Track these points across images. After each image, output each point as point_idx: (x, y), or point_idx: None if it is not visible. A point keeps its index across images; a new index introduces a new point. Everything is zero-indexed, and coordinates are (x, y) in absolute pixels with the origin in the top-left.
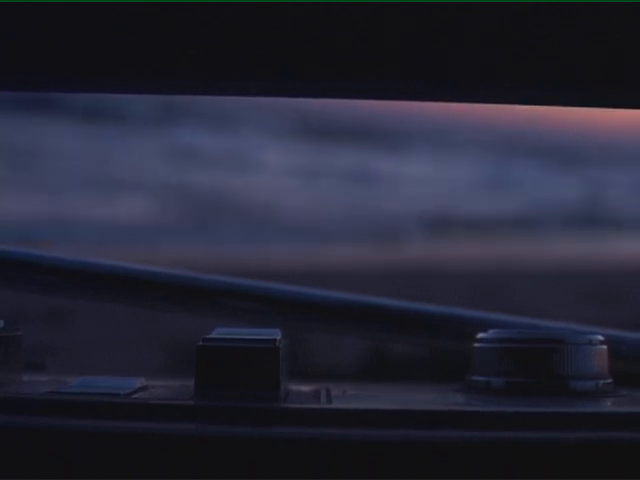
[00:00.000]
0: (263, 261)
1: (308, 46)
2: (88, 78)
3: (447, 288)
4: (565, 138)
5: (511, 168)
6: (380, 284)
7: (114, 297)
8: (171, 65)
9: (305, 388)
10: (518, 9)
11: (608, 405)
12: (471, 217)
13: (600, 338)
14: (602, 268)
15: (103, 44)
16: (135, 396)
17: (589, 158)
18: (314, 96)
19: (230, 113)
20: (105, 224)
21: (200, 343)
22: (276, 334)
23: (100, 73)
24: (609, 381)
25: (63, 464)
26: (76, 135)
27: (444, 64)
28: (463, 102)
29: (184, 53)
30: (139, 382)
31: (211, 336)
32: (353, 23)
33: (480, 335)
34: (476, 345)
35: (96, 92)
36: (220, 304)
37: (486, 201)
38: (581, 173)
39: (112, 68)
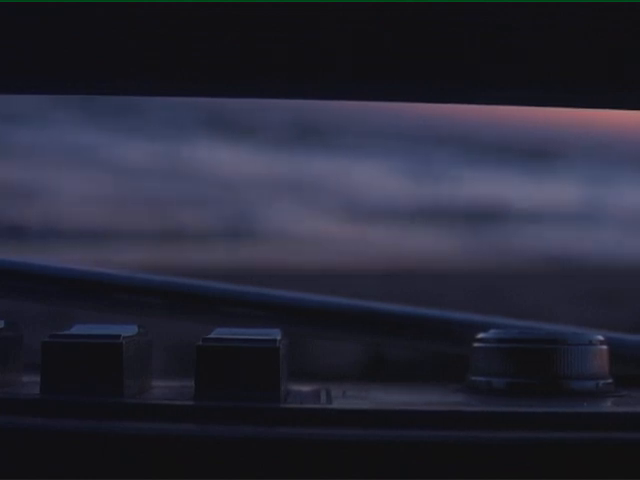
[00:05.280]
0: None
1: (311, 48)
2: (91, 80)
3: (447, 289)
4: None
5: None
6: (379, 284)
7: (113, 305)
8: (175, 67)
9: (305, 388)
10: (518, 9)
11: (608, 405)
12: (469, 215)
13: (600, 338)
14: (602, 268)
15: (109, 46)
16: (136, 397)
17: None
18: (318, 98)
19: None
20: None
21: (200, 343)
22: (276, 334)
23: (105, 75)
24: (609, 381)
25: (63, 465)
26: None
27: (443, 65)
28: (462, 104)
29: (188, 55)
30: (137, 328)
31: (211, 336)
32: (354, 24)
33: (480, 335)
34: (476, 345)
35: (100, 94)
36: (219, 311)
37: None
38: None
39: (118, 70)
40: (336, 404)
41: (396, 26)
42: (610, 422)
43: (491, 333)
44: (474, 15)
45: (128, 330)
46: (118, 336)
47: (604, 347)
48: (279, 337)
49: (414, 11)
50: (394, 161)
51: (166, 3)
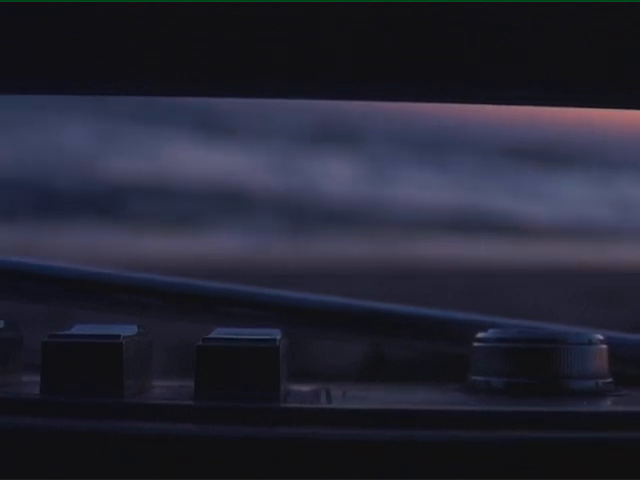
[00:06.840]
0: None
1: (311, 48)
2: (91, 80)
3: (446, 289)
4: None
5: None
6: (377, 284)
7: (113, 305)
8: (175, 67)
9: (305, 388)
10: (518, 9)
11: (608, 405)
12: (469, 218)
13: (600, 338)
14: (602, 268)
15: (109, 46)
16: (135, 397)
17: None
18: (318, 98)
19: None
20: None
21: (200, 343)
22: (276, 334)
23: (105, 75)
24: (609, 381)
25: (63, 465)
26: None
27: (443, 65)
28: (462, 103)
29: (188, 55)
30: (137, 328)
31: (211, 336)
32: (354, 24)
33: (480, 335)
34: (476, 345)
35: (100, 94)
36: (219, 311)
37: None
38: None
39: (118, 70)
40: (336, 404)
41: (396, 26)
42: (610, 422)
43: (491, 333)
44: (474, 15)
45: (128, 330)
46: (118, 336)
47: (604, 347)
48: (279, 337)
49: (414, 11)
50: (394, 162)
51: (166, 3)
